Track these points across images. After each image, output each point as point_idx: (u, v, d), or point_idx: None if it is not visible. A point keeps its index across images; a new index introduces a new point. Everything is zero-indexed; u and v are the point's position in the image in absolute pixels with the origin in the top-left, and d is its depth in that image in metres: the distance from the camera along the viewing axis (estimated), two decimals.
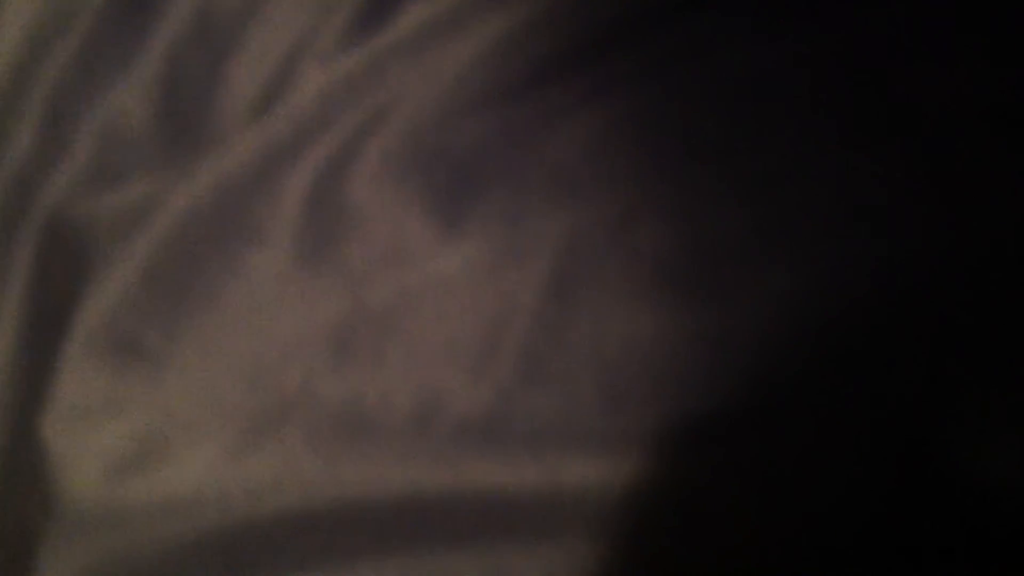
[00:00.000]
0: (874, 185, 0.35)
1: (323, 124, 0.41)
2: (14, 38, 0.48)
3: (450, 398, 0.35)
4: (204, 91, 0.45)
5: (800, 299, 0.34)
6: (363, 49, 0.42)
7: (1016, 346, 0.32)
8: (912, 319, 0.33)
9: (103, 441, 0.38)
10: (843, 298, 0.34)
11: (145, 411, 0.38)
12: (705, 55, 0.38)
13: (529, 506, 0.33)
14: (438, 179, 0.39)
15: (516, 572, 0.32)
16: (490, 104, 0.39)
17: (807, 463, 0.32)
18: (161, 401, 0.38)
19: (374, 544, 0.34)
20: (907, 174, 0.35)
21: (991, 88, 0.35)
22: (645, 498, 0.33)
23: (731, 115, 0.37)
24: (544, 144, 0.38)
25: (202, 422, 0.37)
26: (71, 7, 0.48)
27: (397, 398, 0.36)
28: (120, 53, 0.47)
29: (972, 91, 0.35)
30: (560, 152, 0.38)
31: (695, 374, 0.34)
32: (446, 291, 0.37)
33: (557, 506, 0.33)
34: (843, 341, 0.33)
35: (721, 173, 0.36)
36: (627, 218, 0.36)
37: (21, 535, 0.38)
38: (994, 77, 0.35)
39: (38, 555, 0.37)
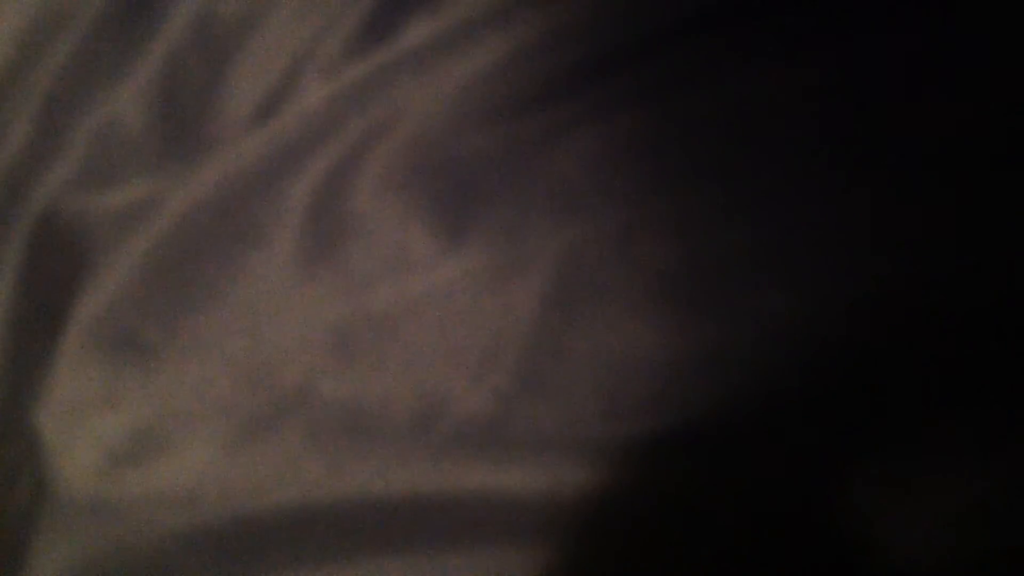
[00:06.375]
0: (871, 209, 0.35)
1: (328, 132, 0.41)
2: (11, 37, 0.48)
3: (450, 402, 0.36)
4: (203, 98, 0.45)
5: (795, 317, 0.34)
6: (368, 61, 0.42)
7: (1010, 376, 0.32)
8: (905, 342, 0.33)
9: (99, 434, 0.38)
10: (837, 318, 0.34)
11: (142, 405, 0.38)
12: (708, 77, 0.38)
13: (528, 509, 0.33)
14: (441, 191, 0.39)
15: (514, 574, 0.33)
16: (494, 119, 0.40)
17: (800, 478, 0.33)
18: (158, 396, 0.38)
19: (373, 544, 0.34)
20: (904, 199, 0.35)
21: (992, 119, 0.36)
22: (642, 505, 0.33)
23: (732, 136, 0.37)
24: (547, 159, 0.39)
25: (200, 418, 0.37)
26: (70, 8, 0.47)
27: (397, 401, 0.36)
28: (118, 56, 0.46)
29: (973, 122, 0.36)
30: (563, 167, 0.39)
31: (693, 387, 0.34)
32: (447, 299, 0.37)
33: (555, 510, 0.33)
34: (837, 361, 0.34)
35: (721, 192, 0.37)
36: (628, 233, 0.37)
37: (15, 526, 0.38)
38: (994, 109, 0.36)
39: (32, 546, 0.37)
